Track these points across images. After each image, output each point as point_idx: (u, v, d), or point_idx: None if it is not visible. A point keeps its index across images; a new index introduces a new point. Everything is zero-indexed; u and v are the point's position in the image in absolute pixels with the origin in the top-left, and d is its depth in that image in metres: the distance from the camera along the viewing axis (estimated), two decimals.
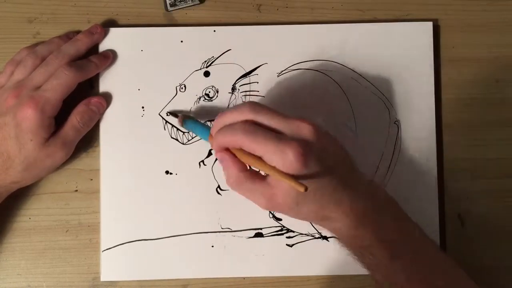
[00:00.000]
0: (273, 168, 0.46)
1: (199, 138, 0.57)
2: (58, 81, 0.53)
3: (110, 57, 0.57)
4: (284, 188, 0.46)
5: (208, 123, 0.57)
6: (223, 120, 0.49)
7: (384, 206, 0.50)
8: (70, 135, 0.54)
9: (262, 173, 0.49)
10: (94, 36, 0.57)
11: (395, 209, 0.51)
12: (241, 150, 0.48)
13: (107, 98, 0.57)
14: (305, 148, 0.45)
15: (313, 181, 0.46)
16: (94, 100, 0.56)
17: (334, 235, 0.51)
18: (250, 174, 0.48)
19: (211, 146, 0.51)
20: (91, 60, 0.56)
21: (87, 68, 0.55)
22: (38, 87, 0.53)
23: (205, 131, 0.53)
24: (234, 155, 0.49)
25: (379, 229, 0.49)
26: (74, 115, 0.55)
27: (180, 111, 0.57)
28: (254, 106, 0.48)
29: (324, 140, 0.47)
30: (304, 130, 0.47)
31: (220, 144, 0.49)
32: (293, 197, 0.47)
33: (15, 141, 0.52)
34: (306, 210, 0.48)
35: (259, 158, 0.47)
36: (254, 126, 0.47)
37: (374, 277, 0.51)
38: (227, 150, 0.49)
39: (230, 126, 0.48)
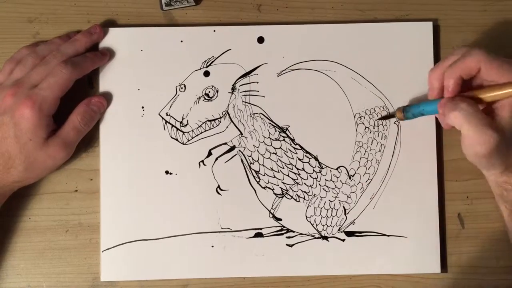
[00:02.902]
0: None
1: (199, 138, 0.57)
2: (54, 79, 0.53)
3: (107, 54, 0.57)
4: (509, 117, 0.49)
5: (208, 123, 0.57)
6: (440, 67, 0.52)
7: None
8: (71, 135, 0.54)
9: None
10: (93, 36, 0.57)
11: None
12: (477, 90, 0.51)
13: (107, 98, 0.57)
14: None
15: None
16: (94, 100, 0.56)
17: (505, 183, 0.53)
18: (482, 111, 0.50)
19: (441, 107, 0.52)
20: (87, 56, 0.56)
21: (83, 64, 0.55)
22: (35, 86, 0.53)
23: (429, 103, 0.54)
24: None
25: None
26: (75, 115, 0.55)
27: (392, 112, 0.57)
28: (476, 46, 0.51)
29: None
30: None
31: (455, 78, 0.50)
32: None
33: (14, 141, 0.52)
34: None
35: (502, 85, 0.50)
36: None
37: None
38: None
39: (462, 57, 0.51)
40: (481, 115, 0.49)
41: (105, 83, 0.58)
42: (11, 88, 0.53)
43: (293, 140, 0.58)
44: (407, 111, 0.55)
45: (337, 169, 0.57)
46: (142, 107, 0.58)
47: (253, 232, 0.57)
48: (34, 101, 0.52)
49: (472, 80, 0.52)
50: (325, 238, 0.57)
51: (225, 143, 0.58)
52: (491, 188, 0.55)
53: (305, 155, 0.57)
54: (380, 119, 0.57)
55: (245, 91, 0.58)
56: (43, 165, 0.54)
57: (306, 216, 0.57)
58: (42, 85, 0.53)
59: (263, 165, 0.57)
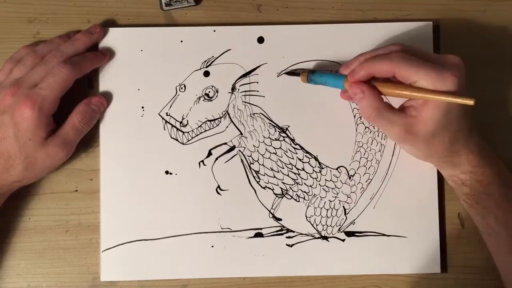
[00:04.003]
0: (434, 90, 0.48)
1: (199, 138, 0.57)
2: (54, 79, 0.53)
3: (107, 54, 0.57)
4: (426, 116, 0.49)
5: (208, 123, 0.57)
6: (365, 55, 0.52)
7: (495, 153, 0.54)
8: (70, 135, 0.54)
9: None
10: (93, 36, 0.57)
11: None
12: (384, 82, 0.50)
13: (107, 98, 0.57)
14: (460, 73, 0.49)
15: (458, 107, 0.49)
16: (94, 99, 0.56)
17: (452, 177, 0.54)
18: (389, 105, 0.51)
19: (347, 86, 0.52)
20: (87, 56, 0.56)
21: (82, 63, 0.55)
22: (35, 85, 0.53)
23: (336, 76, 0.54)
24: (373, 88, 0.50)
25: (499, 170, 0.53)
26: (75, 115, 0.55)
27: (298, 69, 0.57)
28: (402, 44, 0.51)
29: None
30: (453, 59, 0.50)
31: (367, 72, 0.50)
32: (433, 125, 0.49)
33: (14, 140, 0.52)
34: (440, 140, 0.50)
35: (410, 86, 0.49)
36: (409, 54, 0.49)
37: (489, 224, 0.53)
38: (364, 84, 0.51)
39: (382, 55, 0.50)
40: (385, 111, 0.50)
41: (105, 83, 0.58)
42: (10, 87, 0.53)
43: (293, 140, 0.58)
44: (311, 78, 0.55)
45: (337, 169, 0.57)
46: (142, 107, 0.58)
47: (253, 232, 0.57)
48: (34, 100, 0.52)
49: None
50: (325, 238, 0.57)
51: (225, 143, 0.58)
52: None
53: (305, 155, 0.57)
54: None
55: (245, 91, 0.58)
56: (42, 164, 0.54)
57: (306, 216, 0.57)
58: (42, 84, 0.53)
59: (263, 165, 0.57)
